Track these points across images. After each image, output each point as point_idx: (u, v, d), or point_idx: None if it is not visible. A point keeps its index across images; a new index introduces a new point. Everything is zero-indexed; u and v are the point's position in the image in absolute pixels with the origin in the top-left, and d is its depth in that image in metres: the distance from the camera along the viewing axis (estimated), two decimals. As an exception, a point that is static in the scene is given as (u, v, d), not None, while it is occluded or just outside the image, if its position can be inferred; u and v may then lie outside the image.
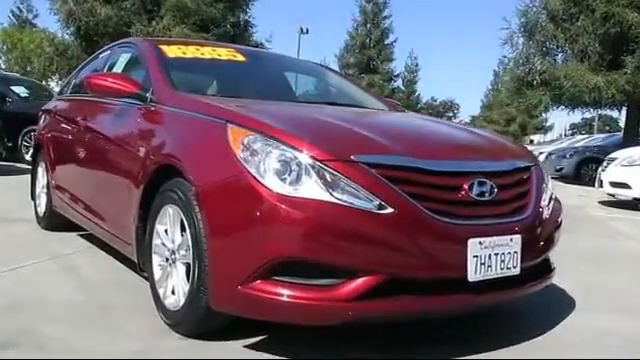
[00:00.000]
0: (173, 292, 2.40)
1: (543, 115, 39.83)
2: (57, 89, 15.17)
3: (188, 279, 2.28)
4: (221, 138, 2.19)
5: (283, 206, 1.95)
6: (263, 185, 1.99)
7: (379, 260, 1.98)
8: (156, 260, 2.54)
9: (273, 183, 1.99)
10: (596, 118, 42.56)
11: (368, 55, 34.19)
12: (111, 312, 2.65)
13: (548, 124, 45.47)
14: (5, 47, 31.19)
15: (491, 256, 2.13)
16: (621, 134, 14.79)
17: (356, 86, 3.86)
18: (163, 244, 2.49)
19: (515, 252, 2.19)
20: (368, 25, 34.97)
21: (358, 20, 35.18)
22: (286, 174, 2.01)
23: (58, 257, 3.66)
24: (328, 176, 1.99)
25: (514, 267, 2.20)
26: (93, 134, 3.31)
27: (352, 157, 2.04)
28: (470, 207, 2.15)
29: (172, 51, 3.23)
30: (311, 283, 1.97)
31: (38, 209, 4.62)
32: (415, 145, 2.26)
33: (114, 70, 3.57)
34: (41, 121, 4.86)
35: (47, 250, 3.81)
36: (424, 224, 2.02)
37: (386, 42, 35.12)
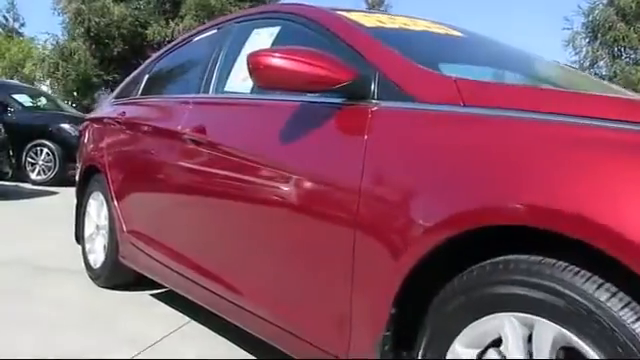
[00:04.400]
0: None
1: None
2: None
3: None
4: None
5: None
6: None
7: None
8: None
9: None
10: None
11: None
12: None
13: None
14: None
15: None
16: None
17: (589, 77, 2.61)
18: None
19: None
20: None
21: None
22: None
23: (151, 346, 2.34)
24: None
25: None
26: (235, 157, 1.98)
27: None
28: None
29: (364, 20, 1.96)
30: None
31: (90, 257, 3.30)
32: None
33: (240, 57, 2.29)
34: (89, 135, 3.54)
35: (126, 330, 2.50)
36: None
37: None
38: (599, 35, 10.87)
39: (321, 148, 1.64)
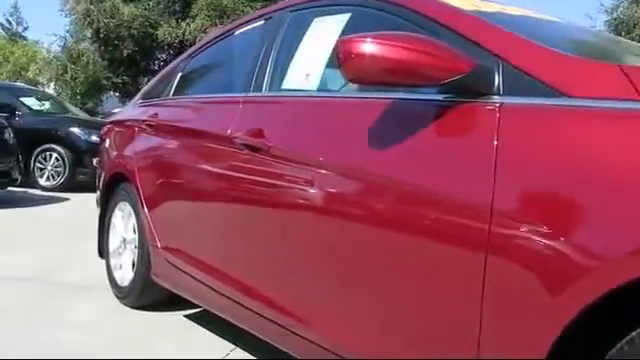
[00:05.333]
0: None
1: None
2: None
3: None
4: None
5: None
6: None
7: None
8: None
9: None
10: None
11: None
12: None
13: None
14: (-3, 61, 29.17)
15: None
16: None
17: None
18: None
19: None
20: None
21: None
22: None
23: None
24: None
25: None
26: (306, 165, 1.68)
27: None
28: None
29: (458, 3, 1.66)
30: None
31: (116, 274, 3.00)
32: None
33: (300, 51, 1.99)
34: (113, 140, 3.25)
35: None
36: None
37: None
38: (623, 33, 10.57)
39: (431, 156, 1.34)
